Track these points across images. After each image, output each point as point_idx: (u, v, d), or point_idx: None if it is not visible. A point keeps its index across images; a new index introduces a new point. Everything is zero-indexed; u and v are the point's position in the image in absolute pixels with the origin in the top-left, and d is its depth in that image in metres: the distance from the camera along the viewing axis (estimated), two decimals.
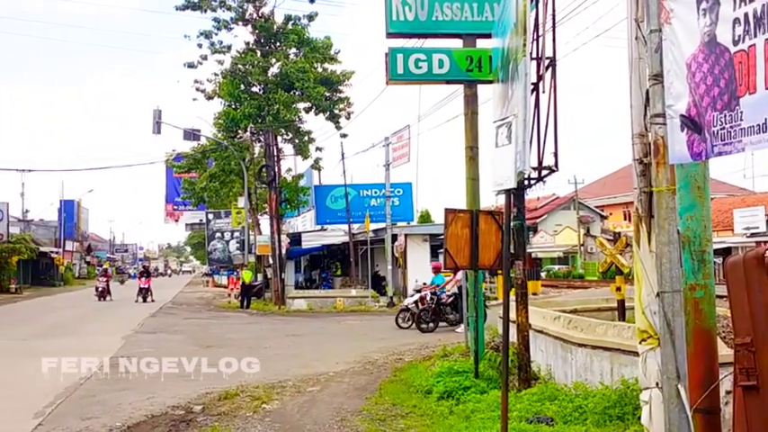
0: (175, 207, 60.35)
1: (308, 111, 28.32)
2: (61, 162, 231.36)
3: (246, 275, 28.34)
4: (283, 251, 28.76)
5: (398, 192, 32.88)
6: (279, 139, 29.07)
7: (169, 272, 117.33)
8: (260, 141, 29.93)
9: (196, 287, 55.78)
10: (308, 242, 35.83)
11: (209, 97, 28.08)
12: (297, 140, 28.80)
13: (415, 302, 17.50)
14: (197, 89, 28.09)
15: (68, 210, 66.96)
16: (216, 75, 27.80)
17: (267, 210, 31.29)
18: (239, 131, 29.17)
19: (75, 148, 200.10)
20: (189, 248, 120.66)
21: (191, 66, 27.58)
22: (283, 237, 29.80)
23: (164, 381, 9.89)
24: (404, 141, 26.28)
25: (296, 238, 35.38)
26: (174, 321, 21.04)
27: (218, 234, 50.78)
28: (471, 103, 10.30)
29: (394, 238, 26.57)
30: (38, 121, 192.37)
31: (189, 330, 17.78)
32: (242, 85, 27.67)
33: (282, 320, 21.77)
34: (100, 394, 8.97)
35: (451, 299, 16.42)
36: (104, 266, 51.03)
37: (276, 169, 28.70)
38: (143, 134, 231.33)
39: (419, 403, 8.02)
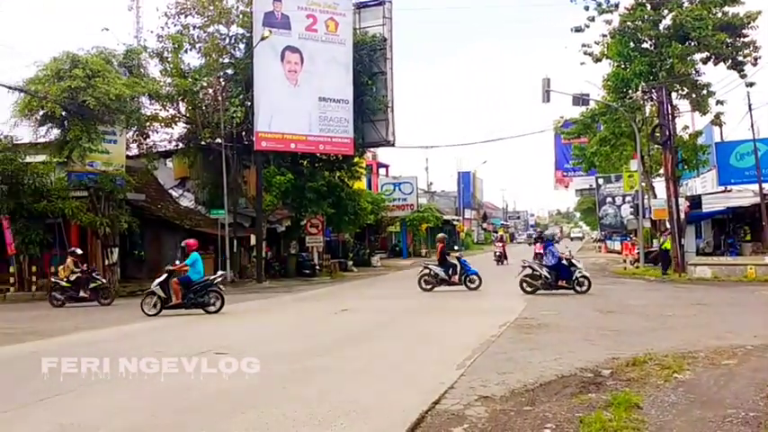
0: (565, 173, 61.03)
1: (705, 61, 25.89)
2: (458, 136, 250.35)
3: (663, 242, 27.08)
4: (682, 215, 27.01)
5: None
6: (673, 95, 27.18)
7: (558, 238, 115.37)
8: (652, 100, 28.34)
9: (588, 253, 55.60)
10: (709, 205, 32.96)
11: (597, 59, 27.49)
12: (693, 95, 26.55)
13: (160, 285, 15.40)
14: (584, 53, 27.72)
15: (465, 181, 72.57)
16: (603, 35, 27.12)
17: (662, 172, 29.69)
18: (629, 91, 28.03)
19: (470, 122, 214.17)
20: (578, 214, 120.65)
21: (578, 30, 27.30)
22: (681, 200, 27.97)
23: (569, 344, 10.18)
24: None
25: (695, 201, 32.87)
26: None
27: (608, 199, 50.03)
28: None
29: None
30: (436, 100, 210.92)
31: (587, 295, 17.87)
32: (631, 43, 26.51)
33: (685, 288, 20.53)
34: (510, 352, 9.58)
35: None
36: (499, 233, 54.17)
37: (671, 128, 26.93)
38: (532, 103, 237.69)
39: None
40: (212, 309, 15.56)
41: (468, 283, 20.23)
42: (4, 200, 21.94)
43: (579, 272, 18.43)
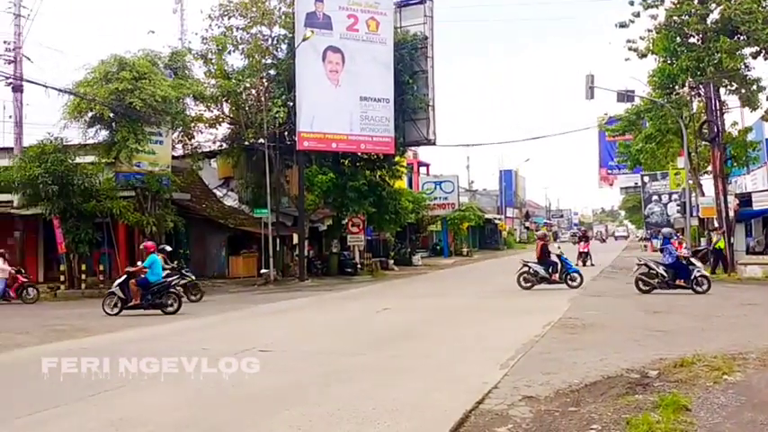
0: (609, 171, 60.10)
1: (755, 56, 25.11)
2: (499, 134, 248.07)
3: (717, 242, 26.28)
4: (731, 213, 26.34)
5: None
6: (721, 90, 26.51)
7: (602, 236, 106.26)
8: (699, 96, 27.73)
9: (633, 252, 54.58)
10: (759, 202, 32.07)
11: (643, 55, 26.91)
12: (743, 90, 25.79)
13: (119, 286, 15.87)
14: (629, 48, 27.16)
15: (507, 179, 71.97)
16: (649, 31, 26.56)
17: (709, 169, 29.01)
18: (675, 87, 27.47)
19: (512, 120, 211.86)
20: (623, 212, 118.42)
21: (622, 25, 26.81)
22: (730, 198, 27.26)
23: (614, 344, 10.01)
24: None
25: (745, 199, 32.07)
26: (616, 285, 21.04)
27: (654, 197, 49.15)
28: None
29: None
30: (477, 97, 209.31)
31: (632, 295, 17.57)
32: (677, 38, 25.88)
33: (735, 288, 20.02)
34: (555, 352, 9.46)
35: None
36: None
37: (719, 124, 26.28)
38: (575, 100, 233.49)
39: None
40: (170, 309, 15.75)
41: (570, 281, 19.58)
42: (54, 200, 22.52)
43: (698, 271, 17.92)
